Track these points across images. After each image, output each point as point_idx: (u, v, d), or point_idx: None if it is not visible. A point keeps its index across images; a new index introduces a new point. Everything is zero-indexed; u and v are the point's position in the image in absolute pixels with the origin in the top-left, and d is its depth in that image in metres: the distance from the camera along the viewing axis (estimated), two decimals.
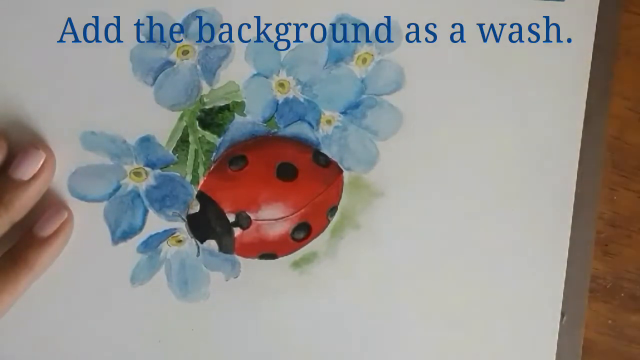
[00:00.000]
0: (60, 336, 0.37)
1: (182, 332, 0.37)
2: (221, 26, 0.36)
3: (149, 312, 0.37)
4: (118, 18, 0.36)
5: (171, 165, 0.37)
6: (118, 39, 0.36)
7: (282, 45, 0.37)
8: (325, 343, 0.38)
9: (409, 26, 0.37)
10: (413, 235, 0.38)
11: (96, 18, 0.36)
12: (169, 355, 0.37)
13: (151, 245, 0.37)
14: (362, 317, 0.38)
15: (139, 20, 0.36)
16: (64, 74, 0.36)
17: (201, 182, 0.37)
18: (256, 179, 0.36)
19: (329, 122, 0.37)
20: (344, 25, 0.37)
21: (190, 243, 0.37)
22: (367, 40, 0.37)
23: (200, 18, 0.36)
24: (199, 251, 0.37)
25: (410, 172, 0.38)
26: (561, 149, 0.38)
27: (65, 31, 0.36)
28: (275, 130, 0.37)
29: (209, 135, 0.37)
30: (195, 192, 0.37)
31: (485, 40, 0.37)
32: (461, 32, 0.37)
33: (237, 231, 0.36)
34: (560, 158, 0.38)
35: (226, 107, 0.37)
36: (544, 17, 0.38)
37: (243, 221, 0.36)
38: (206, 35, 0.36)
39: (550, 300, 0.38)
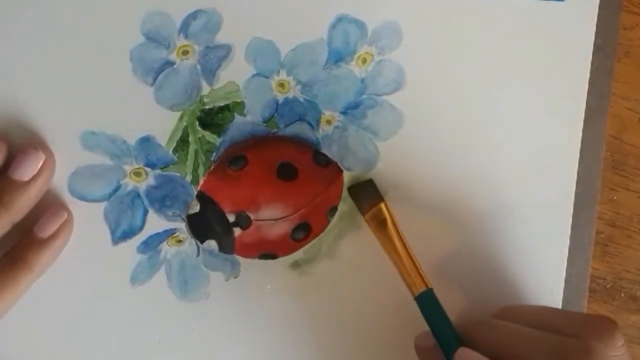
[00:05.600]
0: (60, 336, 0.37)
1: (182, 332, 0.37)
2: (221, 26, 0.36)
3: (149, 312, 0.37)
4: (118, 18, 0.36)
5: (171, 165, 0.37)
6: (118, 39, 0.36)
7: (282, 45, 0.37)
8: (325, 343, 0.38)
9: (408, 26, 0.37)
10: (413, 235, 0.38)
11: (96, 18, 0.36)
12: (169, 355, 0.37)
13: (151, 245, 0.37)
14: (362, 317, 0.38)
15: (139, 20, 0.36)
16: (64, 74, 0.36)
17: (201, 182, 0.37)
18: (256, 179, 0.36)
19: (329, 122, 0.37)
20: (344, 25, 0.37)
21: (190, 243, 0.37)
22: (367, 40, 0.37)
23: (201, 18, 0.36)
24: (199, 251, 0.37)
25: (410, 172, 0.38)
26: (561, 149, 0.38)
27: (66, 31, 0.36)
28: (275, 130, 0.37)
29: (209, 135, 0.37)
30: (195, 192, 0.37)
31: (485, 40, 0.37)
32: (461, 32, 0.37)
33: (237, 231, 0.36)
34: (560, 158, 0.38)
35: (226, 107, 0.37)
36: (544, 17, 0.38)
37: (243, 221, 0.36)
38: (206, 35, 0.36)
39: (550, 300, 0.38)
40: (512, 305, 0.37)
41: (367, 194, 0.37)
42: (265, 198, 0.36)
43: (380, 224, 0.36)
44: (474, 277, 0.38)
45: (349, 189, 0.37)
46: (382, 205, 0.36)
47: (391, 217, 0.36)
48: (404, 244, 0.36)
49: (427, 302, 0.35)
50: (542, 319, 0.34)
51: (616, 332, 0.32)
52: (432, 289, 0.35)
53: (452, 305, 0.38)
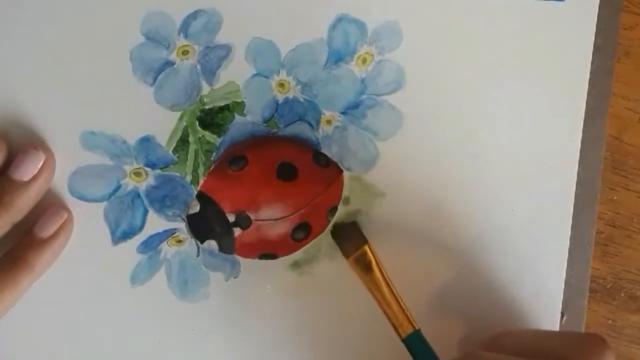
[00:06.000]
0: (60, 336, 0.37)
1: (182, 332, 0.37)
2: (221, 26, 0.36)
3: (149, 312, 0.37)
4: (118, 18, 0.36)
5: (171, 166, 0.37)
6: (118, 39, 0.36)
7: (282, 45, 0.37)
8: (325, 343, 0.38)
9: (408, 26, 0.37)
10: (413, 235, 0.38)
11: (96, 18, 0.36)
12: (169, 355, 0.37)
13: (151, 245, 0.37)
14: (362, 317, 0.38)
15: (139, 20, 0.36)
16: (64, 74, 0.36)
17: (201, 182, 0.37)
18: (256, 179, 0.36)
19: (329, 122, 0.37)
20: (344, 25, 0.37)
21: (190, 243, 0.37)
22: (367, 40, 0.37)
23: (201, 18, 0.36)
24: (198, 251, 0.37)
25: (410, 172, 0.38)
26: (561, 149, 0.38)
27: (66, 31, 0.36)
28: (275, 130, 0.37)
29: (209, 135, 0.37)
30: (195, 192, 0.37)
31: (485, 40, 0.37)
32: (461, 32, 0.37)
33: (237, 231, 0.36)
34: (560, 158, 0.38)
35: (226, 107, 0.37)
36: (544, 17, 0.38)
37: (243, 221, 0.36)
38: (206, 35, 0.36)
39: (550, 300, 0.38)
40: (501, 332, 0.37)
41: (350, 236, 0.37)
42: (265, 198, 0.36)
43: (365, 267, 0.36)
44: (473, 276, 0.38)
45: (332, 231, 0.37)
46: (367, 247, 0.36)
47: (376, 258, 0.36)
48: (389, 286, 0.36)
49: (415, 344, 0.35)
50: (532, 344, 0.34)
51: (606, 351, 0.31)
52: (419, 329, 0.35)
53: (451, 300, 0.38)
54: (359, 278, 0.36)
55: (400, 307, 0.35)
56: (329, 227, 0.37)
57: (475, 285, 0.38)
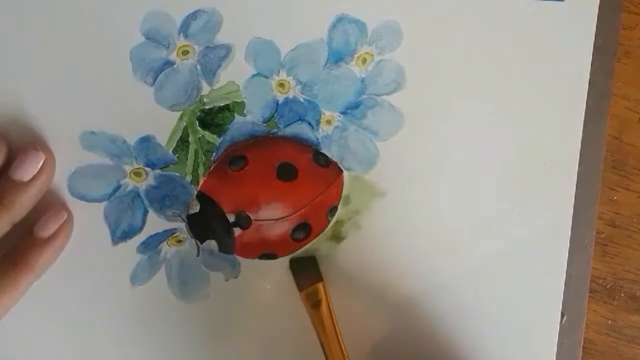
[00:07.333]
0: (60, 336, 0.37)
1: (182, 332, 0.37)
2: (221, 26, 0.36)
3: (149, 312, 0.37)
4: (118, 18, 0.36)
5: (171, 166, 0.37)
6: (118, 39, 0.36)
7: (282, 45, 0.37)
8: None
9: (408, 26, 0.37)
10: (413, 235, 0.38)
11: (96, 18, 0.36)
12: (169, 355, 0.37)
13: (151, 245, 0.37)
14: (363, 318, 0.38)
15: (139, 20, 0.36)
16: (64, 74, 0.36)
17: (201, 182, 0.37)
18: (256, 179, 0.36)
19: (329, 122, 0.37)
20: (344, 25, 0.37)
21: (190, 243, 0.37)
22: (367, 40, 0.37)
23: (201, 18, 0.36)
24: (198, 251, 0.37)
25: (410, 172, 0.38)
26: (561, 149, 0.38)
27: (66, 31, 0.36)
28: (275, 130, 0.37)
29: (209, 135, 0.37)
30: (195, 192, 0.37)
31: (485, 40, 0.37)
32: (461, 32, 0.37)
33: (237, 231, 0.36)
34: (560, 158, 0.38)
35: (226, 107, 0.37)
36: (544, 17, 0.38)
37: (243, 221, 0.36)
38: (206, 35, 0.36)
39: (550, 300, 0.38)
40: None
41: (307, 270, 0.37)
42: (265, 198, 0.36)
43: (314, 304, 0.36)
44: (473, 277, 0.38)
45: (290, 262, 0.37)
46: (320, 285, 0.36)
47: (327, 299, 0.36)
48: (334, 329, 0.36)
49: None
50: None
51: None
52: None
53: (451, 300, 0.38)
54: (307, 314, 0.36)
55: (342, 353, 0.35)
56: (291, 255, 0.38)
57: (475, 284, 0.38)
